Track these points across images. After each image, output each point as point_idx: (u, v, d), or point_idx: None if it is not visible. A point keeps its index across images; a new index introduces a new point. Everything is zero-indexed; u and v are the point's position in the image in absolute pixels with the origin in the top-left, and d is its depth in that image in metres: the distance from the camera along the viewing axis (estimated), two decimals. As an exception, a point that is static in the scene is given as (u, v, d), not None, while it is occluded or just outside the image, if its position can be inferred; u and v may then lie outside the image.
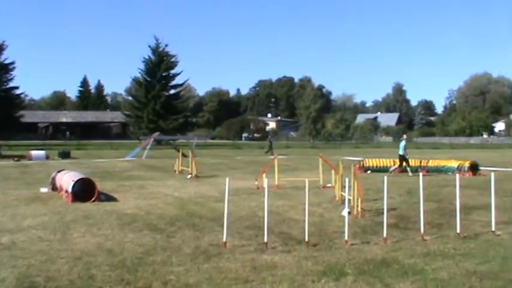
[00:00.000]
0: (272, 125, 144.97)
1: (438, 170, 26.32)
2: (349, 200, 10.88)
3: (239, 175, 24.55)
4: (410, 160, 26.48)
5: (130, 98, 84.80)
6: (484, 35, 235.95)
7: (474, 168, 25.44)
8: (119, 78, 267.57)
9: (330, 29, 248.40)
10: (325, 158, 19.97)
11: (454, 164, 26.66)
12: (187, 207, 14.64)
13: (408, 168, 25.23)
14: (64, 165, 25.64)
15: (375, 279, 7.56)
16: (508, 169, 28.02)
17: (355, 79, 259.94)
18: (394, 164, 26.94)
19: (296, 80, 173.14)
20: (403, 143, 25.97)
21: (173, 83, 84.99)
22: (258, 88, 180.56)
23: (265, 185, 10.06)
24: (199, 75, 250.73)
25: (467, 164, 25.68)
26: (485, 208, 13.87)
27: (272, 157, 29.29)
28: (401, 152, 25.57)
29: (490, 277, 7.73)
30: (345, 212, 11.56)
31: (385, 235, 10.11)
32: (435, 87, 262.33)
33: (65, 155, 41.24)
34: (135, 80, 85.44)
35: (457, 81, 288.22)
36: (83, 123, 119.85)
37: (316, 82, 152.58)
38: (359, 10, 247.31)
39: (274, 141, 61.59)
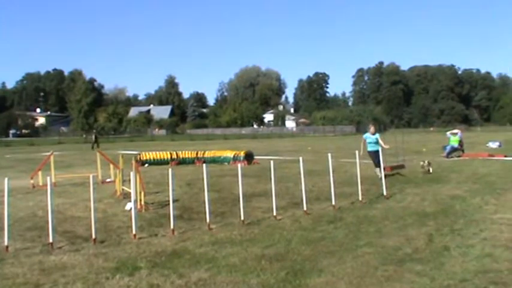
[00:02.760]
0: (42, 120, 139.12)
1: (215, 161, 26.93)
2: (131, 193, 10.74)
3: (12, 174, 22.96)
4: (186, 152, 26.93)
5: None
6: (254, 28, 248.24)
7: (249, 157, 26.55)
8: None
9: (100, 21, 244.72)
10: (102, 153, 19.66)
11: (229, 154, 27.48)
12: (-44, 213, 13.43)
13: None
14: None
15: (169, 271, 7.56)
16: (279, 157, 29.64)
17: (127, 72, 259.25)
18: (172, 156, 27.18)
19: (66, 73, 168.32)
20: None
21: None
22: (25, 81, 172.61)
23: (49, 183, 9.55)
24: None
25: (242, 154, 26.68)
26: (263, 195, 14.61)
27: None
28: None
29: (278, 259, 8.11)
30: (129, 207, 11.45)
31: (172, 227, 10.14)
32: (206, 79, 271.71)
33: None
34: None
35: (228, 74, 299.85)
36: None
37: (87, 75, 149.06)
38: (128, 4, 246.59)
39: (45, 137, 59.67)
